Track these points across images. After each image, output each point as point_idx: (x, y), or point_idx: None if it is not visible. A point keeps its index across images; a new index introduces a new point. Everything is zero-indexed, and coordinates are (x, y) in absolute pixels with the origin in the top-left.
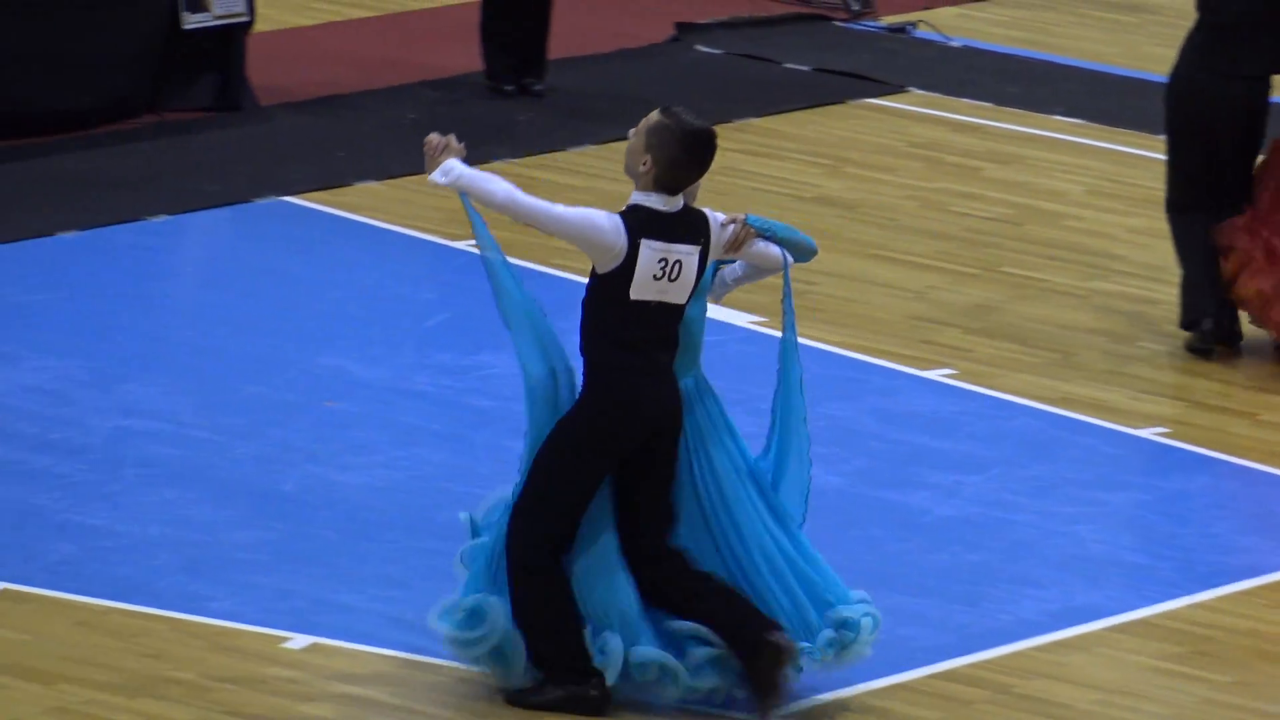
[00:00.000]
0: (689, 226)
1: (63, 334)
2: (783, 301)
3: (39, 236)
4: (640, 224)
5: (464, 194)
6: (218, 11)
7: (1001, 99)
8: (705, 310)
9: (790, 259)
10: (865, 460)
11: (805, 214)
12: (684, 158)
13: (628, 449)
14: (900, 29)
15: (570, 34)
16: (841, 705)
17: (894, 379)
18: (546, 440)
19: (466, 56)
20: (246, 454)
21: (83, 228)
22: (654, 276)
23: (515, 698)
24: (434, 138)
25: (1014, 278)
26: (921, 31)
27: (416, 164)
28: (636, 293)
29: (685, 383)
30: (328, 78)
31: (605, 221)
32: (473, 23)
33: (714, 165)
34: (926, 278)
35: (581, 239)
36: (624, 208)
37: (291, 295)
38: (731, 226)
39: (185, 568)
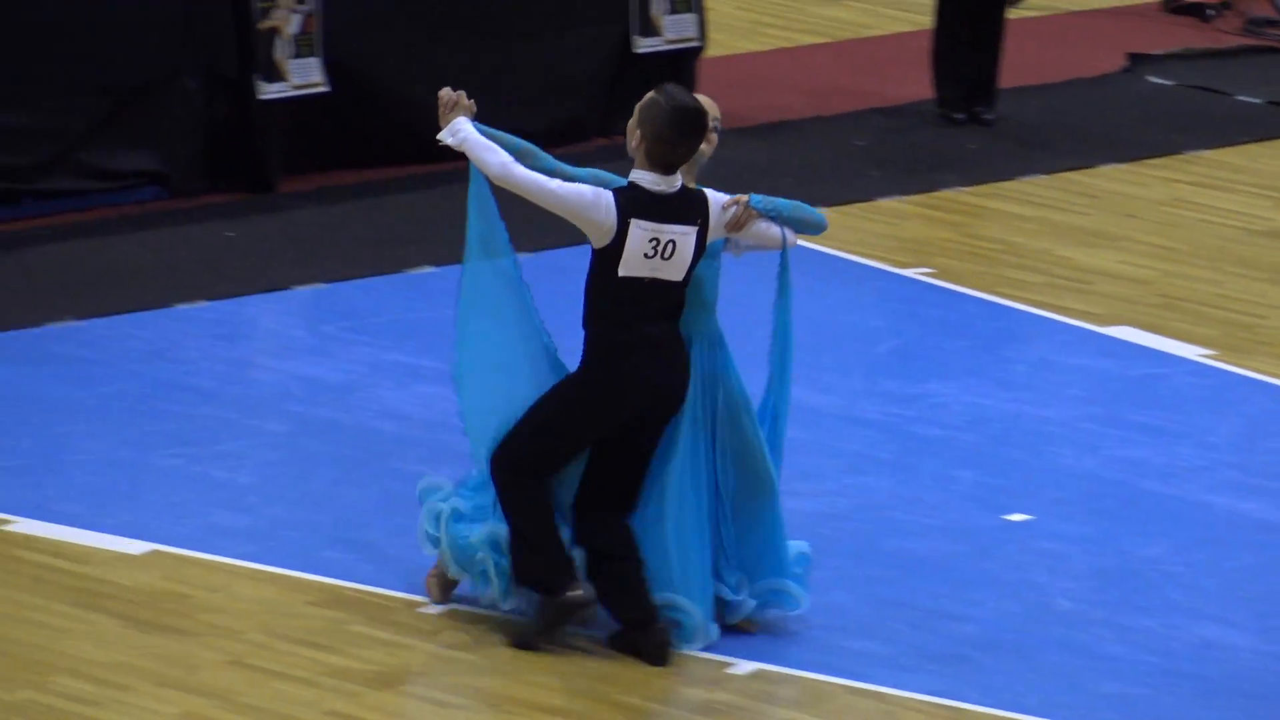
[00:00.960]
0: (684, 207)
1: None
2: (779, 277)
3: None
4: (631, 203)
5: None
6: (669, 36)
7: None
8: (718, 270)
9: (791, 238)
10: None
11: (1255, 247)
12: (670, 133)
13: (620, 420)
14: None
15: (1021, 63)
16: None
17: None
18: (551, 393)
19: (918, 84)
20: None
21: (534, 249)
22: (645, 255)
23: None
24: (445, 93)
25: None
26: None
27: (866, 191)
28: (626, 269)
29: (696, 346)
30: (777, 103)
31: (597, 199)
32: (925, 50)
33: (1162, 196)
34: None
35: (573, 215)
36: (624, 184)
37: (739, 321)
38: (733, 209)
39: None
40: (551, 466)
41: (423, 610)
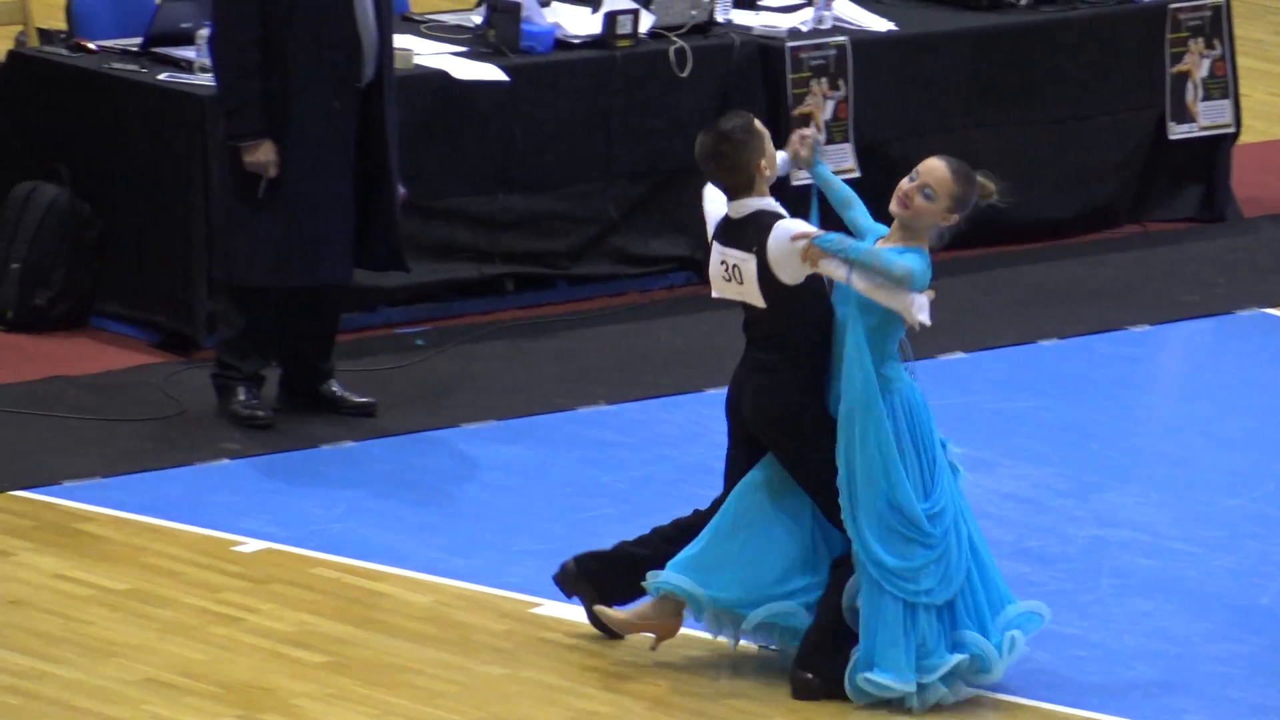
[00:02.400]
0: (746, 233)
1: (1041, 441)
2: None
3: (1020, 343)
4: (717, 228)
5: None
6: (1204, 122)
7: None
8: (863, 318)
9: (859, 282)
10: None
11: None
12: (698, 159)
13: (733, 431)
14: None
15: None
16: None
17: None
18: None
19: None
20: (1223, 567)
21: (1063, 335)
22: (723, 278)
23: None
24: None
25: None
26: None
27: None
28: (715, 291)
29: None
30: None
31: (711, 220)
32: None
33: None
34: None
35: None
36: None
37: (1272, 408)
38: (801, 241)
39: (1158, 679)
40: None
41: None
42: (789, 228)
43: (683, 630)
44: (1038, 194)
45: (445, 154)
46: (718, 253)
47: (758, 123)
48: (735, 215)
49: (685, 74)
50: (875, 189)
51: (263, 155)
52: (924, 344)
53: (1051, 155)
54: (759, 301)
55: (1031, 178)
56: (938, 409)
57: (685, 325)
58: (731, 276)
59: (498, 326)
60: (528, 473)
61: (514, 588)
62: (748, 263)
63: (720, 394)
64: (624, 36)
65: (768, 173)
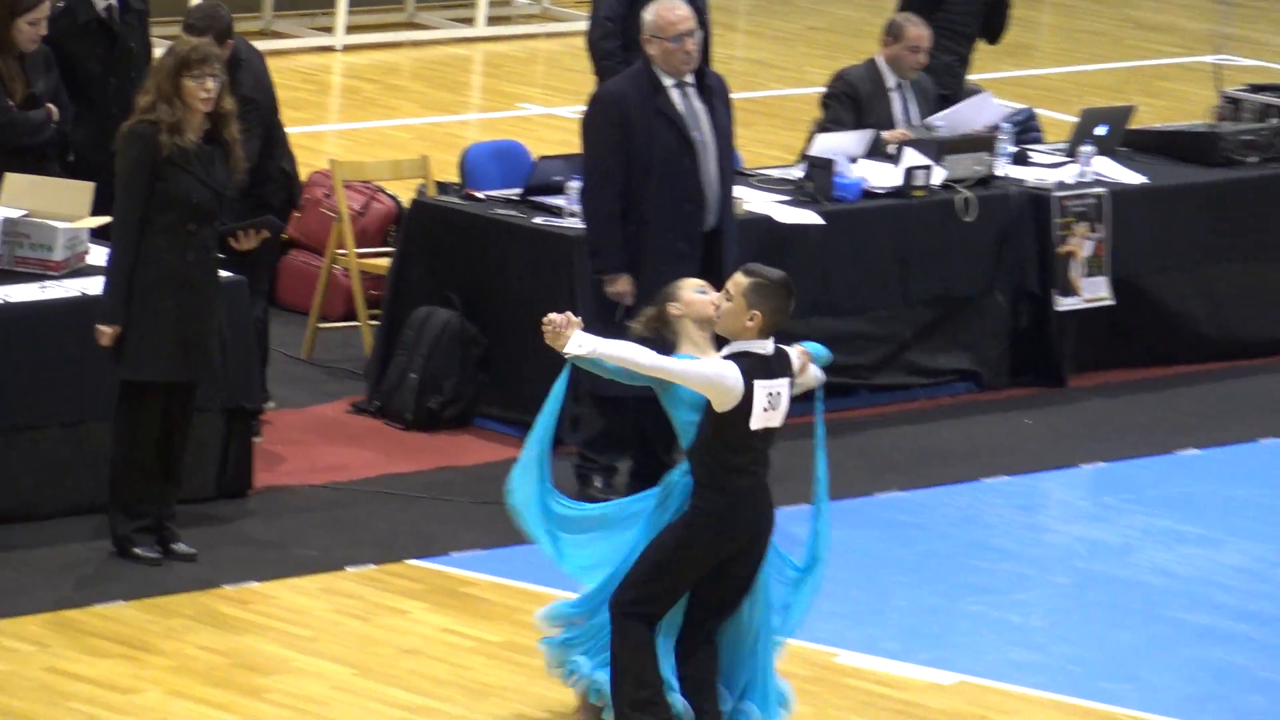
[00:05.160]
0: (782, 363)
1: (1261, 523)
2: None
3: (1246, 440)
4: (751, 368)
5: (571, 364)
6: None
7: None
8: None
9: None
10: None
11: None
12: (785, 305)
13: (725, 556)
14: None
15: None
16: None
17: None
18: (661, 541)
19: None
20: None
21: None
22: (764, 409)
23: None
24: (554, 317)
25: None
26: None
27: None
28: (755, 423)
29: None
30: None
31: (729, 371)
32: None
33: None
34: None
35: (709, 388)
36: (727, 354)
37: None
38: (801, 358)
39: None
40: (664, 607)
41: None
42: (791, 348)
43: (962, 678)
44: (1274, 318)
45: None
46: (765, 387)
47: None
48: (769, 352)
49: (970, 218)
50: (1128, 318)
51: (621, 287)
52: (1164, 443)
53: None
54: (782, 420)
55: (1265, 304)
56: (1177, 496)
57: (964, 426)
58: (771, 405)
59: (809, 427)
60: (834, 547)
61: (818, 640)
62: (786, 385)
63: (995, 483)
64: (919, 187)
65: None
